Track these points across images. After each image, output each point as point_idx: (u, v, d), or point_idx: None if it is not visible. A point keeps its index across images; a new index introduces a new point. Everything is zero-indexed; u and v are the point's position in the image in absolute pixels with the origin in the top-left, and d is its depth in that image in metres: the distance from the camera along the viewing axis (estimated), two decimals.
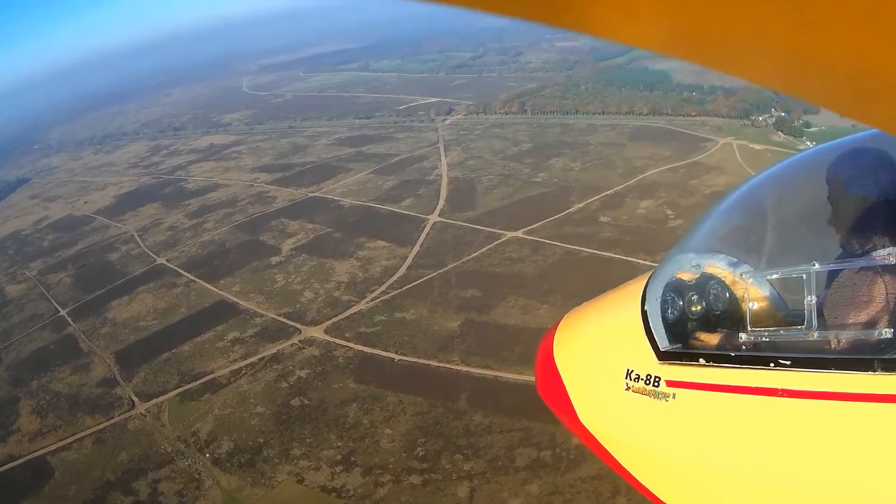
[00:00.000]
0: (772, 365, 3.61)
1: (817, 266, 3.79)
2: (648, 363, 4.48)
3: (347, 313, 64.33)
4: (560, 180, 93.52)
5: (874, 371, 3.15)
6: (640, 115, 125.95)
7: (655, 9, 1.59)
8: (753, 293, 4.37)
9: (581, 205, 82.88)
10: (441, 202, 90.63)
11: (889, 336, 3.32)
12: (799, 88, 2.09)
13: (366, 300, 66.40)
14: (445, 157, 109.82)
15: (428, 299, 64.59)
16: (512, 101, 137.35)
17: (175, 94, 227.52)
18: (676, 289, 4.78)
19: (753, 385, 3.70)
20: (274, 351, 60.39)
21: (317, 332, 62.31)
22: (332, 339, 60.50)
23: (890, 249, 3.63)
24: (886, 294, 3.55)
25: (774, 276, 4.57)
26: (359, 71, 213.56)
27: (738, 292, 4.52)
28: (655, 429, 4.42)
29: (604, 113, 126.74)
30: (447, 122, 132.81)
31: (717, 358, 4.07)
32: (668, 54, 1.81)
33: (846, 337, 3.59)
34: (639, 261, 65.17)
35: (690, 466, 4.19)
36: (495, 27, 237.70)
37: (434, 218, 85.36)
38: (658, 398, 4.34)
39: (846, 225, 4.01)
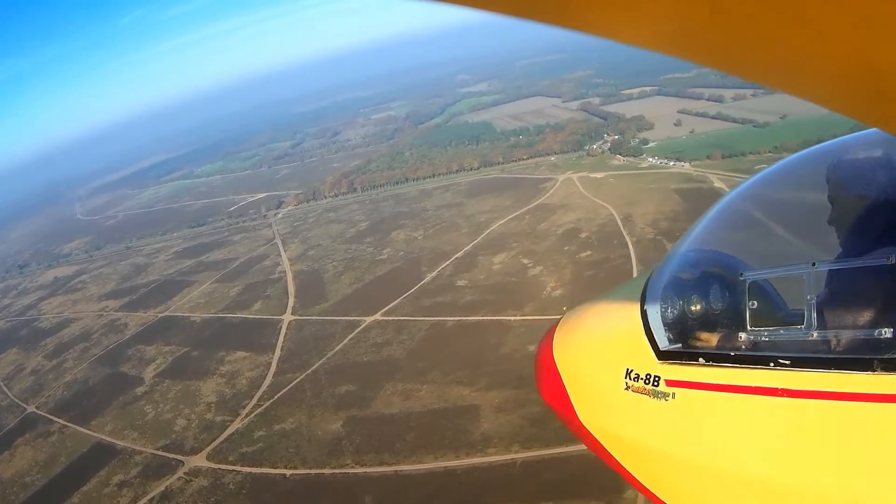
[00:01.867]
0: (772, 365, 3.63)
1: (817, 266, 3.80)
2: (648, 363, 4.48)
3: (225, 435, 62.08)
4: (406, 252, 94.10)
5: (874, 371, 3.16)
6: (471, 170, 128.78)
7: (655, 8, 1.60)
8: (753, 293, 4.31)
9: (434, 273, 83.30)
10: (291, 299, 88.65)
11: (889, 336, 3.31)
12: (799, 88, 2.12)
13: (240, 418, 63.92)
14: (285, 251, 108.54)
15: (303, 404, 62.56)
16: (339, 181, 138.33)
17: (17, 230, 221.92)
18: (676, 288, 4.78)
19: (753, 385, 3.70)
20: (162, 488, 57.20)
21: (200, 461, 59.50)
22: (217, 466, 57.71)
23: (890, 249, 3.58)
24: (886, 294, 3.53)
25: (774, 276, 4.62)
26: (183, 179, 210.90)
27: (738, 292, 4.46)
28: (655, 428, 4.40)
29: (434, 175, 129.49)
30: (279, 215, 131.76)
31: (716, 358, 4.09)
32: (668, 54, 1.80)
33: (846, 337, 3.60)
34: (509, 318, 63.35)
35: (690, 466, 4.19)
36: (308, 111, 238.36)
37: (288, 317, 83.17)
38: (658, 398, 4.34)
39: (846, 225, 4.07)
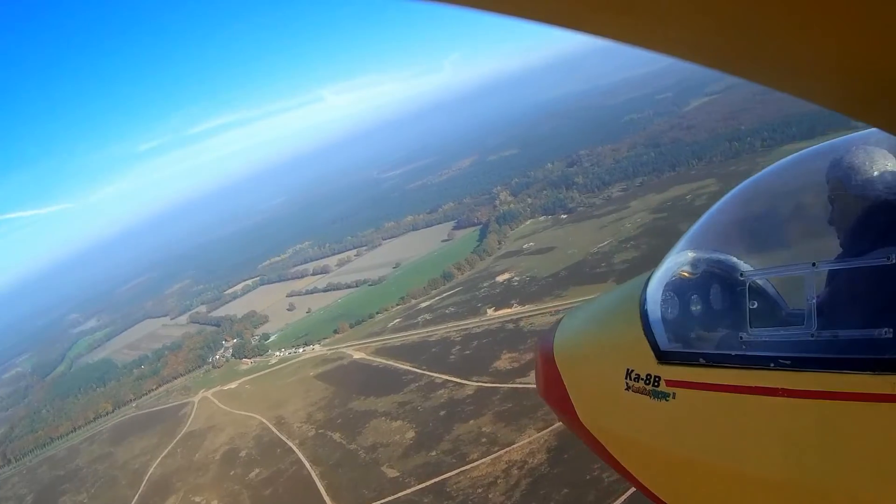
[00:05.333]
0: (772, 365, 3.70)
1: (817, 266, 3.90)
2: (648, 363, 4.58)
3: None
4: None
5: (874, 371, 3.21)
6: (107, 414, 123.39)
7: (655, 9, 1.62)
8: (753, 293, 4.43)
9: None
10: None
11: (889, 336, 3.37)
12: (800, 89, 2.24)
13: None
14: None
15: None
16: None
17: None
18: (676, 288, 4.92)
19: (753, 385, 3.77)
20: None
21: None
22: None
23: (890, 249, 3.64)
24: (886, 294, 3.62)
25: (774, 276, 4.76)
26: None
27: (738, 292, 4.59)
28: (656, 429, 4.52)
29: (75, 430, 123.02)
30: None
31: (716, 358, 4.18)
32: (668, 55, 1.86)
33: (846, 337, 3.66)
34: None
35: (691, 466, 4.27)
36: None
37: None
38: (658, 398, 4.44)
39: (846, 224, 4.13)
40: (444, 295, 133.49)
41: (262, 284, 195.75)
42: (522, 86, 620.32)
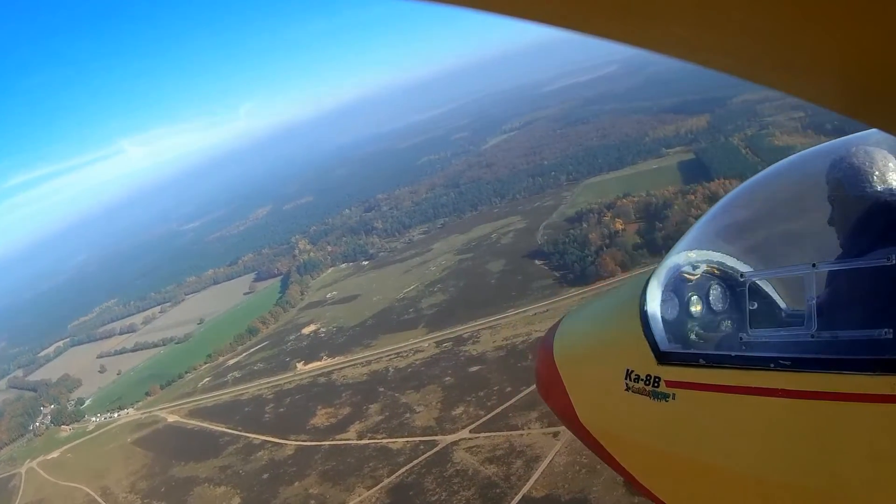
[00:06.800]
0: (772, 366, 3.68)
1: (817, 266, 3.91)
2: (648, 364, 4.58)
3: None
4: None
5: (874, 372, 3.20)
6: None
7: (654, 9, 1.63)
8: (753, 293, 4.46)
9: None
10: None
11: (889, 336, 3.36)
12: (800, 89, 2.27)
13: None
14: None
15: None
16: None
17: None
18: (676, 289, 4.94)
19: (753, 386, 3.76)
20: None
21: None
22: None
23: (890, 249, 3.62)
24: (886, 294, 3.63)
25: (774, 277, 4.79)
26: None
27: (738, 293, 4.64)
28: (655, 429, 4.53)
29: None
30: None
31: (716, 358, 4.19)
32: (668, 55, 1.86)
33: (846, 337, 3.67)
34: None
35: (690, 467, 4.28)
36: None
37: None
38: (658, 399, 4.43)
39: (846, 225, 4.15)
40: (252, 350, 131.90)
41: (73, 346, 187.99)
42: (315, 131, 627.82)
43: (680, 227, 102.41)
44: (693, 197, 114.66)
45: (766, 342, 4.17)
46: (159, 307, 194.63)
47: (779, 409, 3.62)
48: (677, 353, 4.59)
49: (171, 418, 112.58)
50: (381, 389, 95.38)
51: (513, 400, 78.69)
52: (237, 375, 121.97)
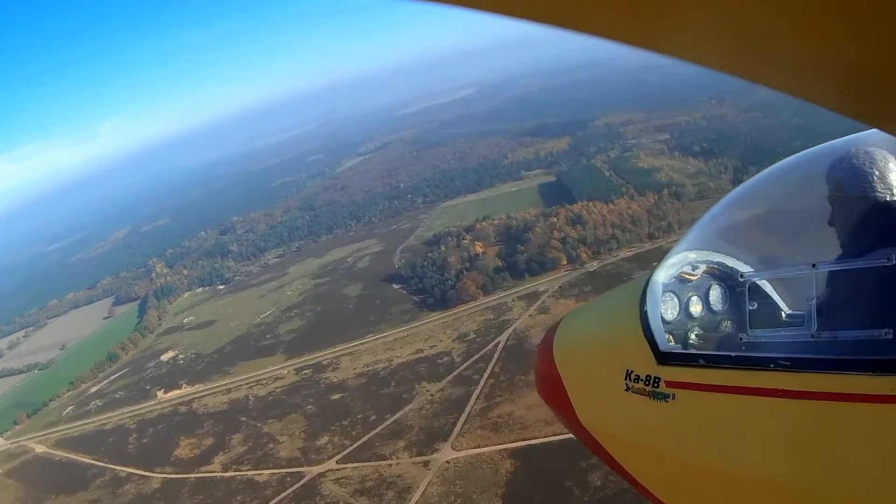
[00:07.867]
0: (771, 366, 3.70)
1: (817, 267, 3.94)
2: (648, 364, 4.59)
3: None
4: None
5: (874, 372, 3.20)
6: None
7: (655, 10, 1.64)
8: (753, 294, 4.51)
9: None
10: None
11: (889, 337, 3.37)
12: (800, 90, 2.29)
13: None
14: None
15: None
16: None
17: None
18: (676, 289, 4.97)
19: (753, 386, 3.77)
20: None
21: None
22: None
23: (890, 249, 3.65)
24: (886, 295, 3.66)
25: (774, 277, 4.82)
26: None
27: (738, 293, 4.66)
28: (655, 429, 4.56)
29: None
30: None
31: (716, 359, 4.20)
32: (669, 56, 1.88)
33: (846, 338, 3.68)
34: None
35: (690, 467, 4.30)
36: None
37: None
38: (657, 399, 4.44)
39: (846, 225, 4.18)
40: (112, 378, 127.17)
41: None
42: (171, 152, 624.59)
43: (542, 249, 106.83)
44: (555, 219, 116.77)
45: (766, 342, 4.20)
46: (23, 331, 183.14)
47: (779, 409, 3.64)
48: (677, 353, 4.61)
49: (39, 448, 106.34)
50: (243, 419, 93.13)
51: (378, 428, 78.19)
52: (99, 404, 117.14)
